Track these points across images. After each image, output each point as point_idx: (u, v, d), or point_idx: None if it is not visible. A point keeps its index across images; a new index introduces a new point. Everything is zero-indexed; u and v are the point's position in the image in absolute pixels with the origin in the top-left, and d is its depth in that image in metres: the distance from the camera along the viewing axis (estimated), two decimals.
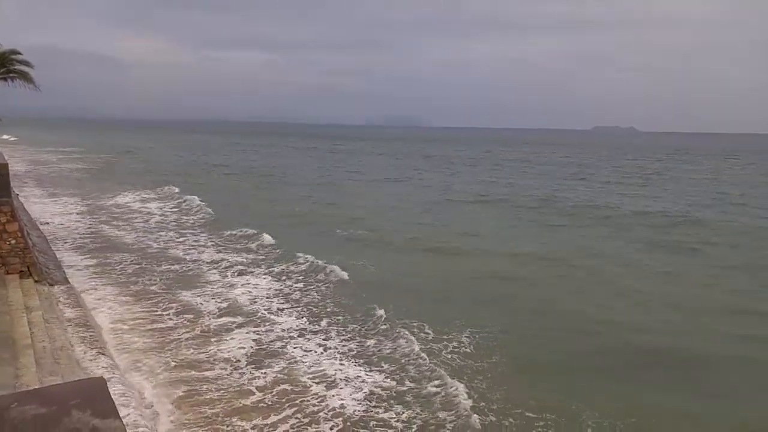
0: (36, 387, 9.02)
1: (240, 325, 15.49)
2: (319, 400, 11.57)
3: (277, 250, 23.78)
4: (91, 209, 33.34)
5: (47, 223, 27.31)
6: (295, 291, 18.62)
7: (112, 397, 2.29)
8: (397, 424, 10.81)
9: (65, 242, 24.10)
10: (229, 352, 13.75)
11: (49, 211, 31.54)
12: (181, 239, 26.22)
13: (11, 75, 36.83)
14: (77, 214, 31.46)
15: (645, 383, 12.82)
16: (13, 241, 15.87)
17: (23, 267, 15.87)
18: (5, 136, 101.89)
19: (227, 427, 10.49)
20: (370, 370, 12.94)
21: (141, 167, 63.40)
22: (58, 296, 15.52)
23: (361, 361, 13.46)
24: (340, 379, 12.45)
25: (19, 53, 37.54)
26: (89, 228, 27.64)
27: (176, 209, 34.66)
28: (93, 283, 18.59)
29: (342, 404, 11.42)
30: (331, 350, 14.07)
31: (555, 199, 42.51)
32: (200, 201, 36.51)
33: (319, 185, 50.23)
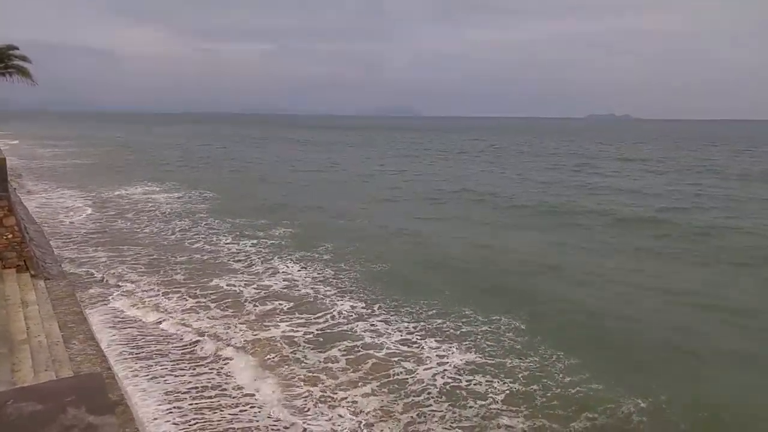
0: (32, 383, 9.05)
1: (290, 310, 15.45)
2: (400, 376, 11.78)
3: (295, 239, 23.80)
4: (92, 202, 33.13)
5: (46, 217, 27.25)
6: (328, 277, 18.57)
7: (108, 393, 2.32)
8: (491, 395, 10.99)
9: (65, 236, 23.93)
10: (291, 334, 13.79)
11: (48, 205, 31.42)
12: (194, 229, 26.04)
13: (9, 70, 36.70)
14: (77, 207, 31.28)
15: None
16: (9, 236, 15.84)
17: (20, 261, 15.85)
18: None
19: (322, 405, 10.59)
20: (446, 347, 13.16)
21: (142, 159, 63.21)
22: (55, 290, 15.49)
23: (431, 339, 13.61)
24: (421, 355, 12.70)
25: (16, 48, 37.40)
26: (92, 221, 27.47)
27: (183, 200, 34.47)
28: (99, 276, 18.36)
29: (423, 378, 11.63)
30: (395, 329, 14.21)
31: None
32: (206, 192, 36.55)
33: (321, 177, 49.99)
